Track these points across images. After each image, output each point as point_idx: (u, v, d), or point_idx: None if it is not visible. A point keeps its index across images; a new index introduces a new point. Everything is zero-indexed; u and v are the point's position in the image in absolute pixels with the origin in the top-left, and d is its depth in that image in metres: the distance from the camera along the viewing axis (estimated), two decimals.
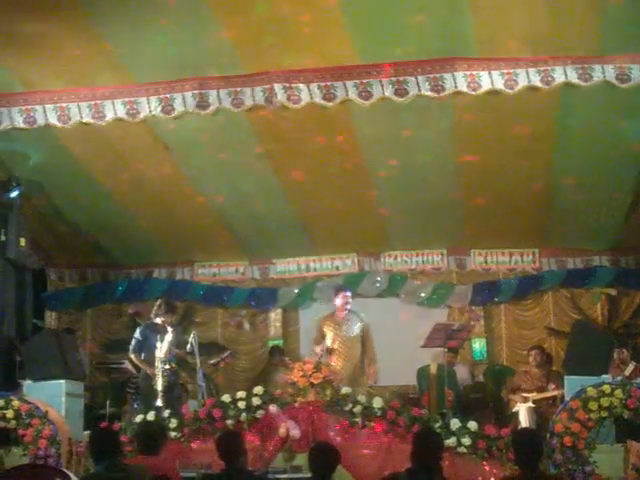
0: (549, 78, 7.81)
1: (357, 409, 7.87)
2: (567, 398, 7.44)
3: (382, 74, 8.00)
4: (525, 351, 11.01)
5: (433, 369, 10.43)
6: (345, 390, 8.10)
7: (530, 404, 9.48)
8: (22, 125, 8.58)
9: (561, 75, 7.78)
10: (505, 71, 7.87)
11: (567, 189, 10.41)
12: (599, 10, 7.24)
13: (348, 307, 9.74)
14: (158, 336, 9.25)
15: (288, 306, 12.70)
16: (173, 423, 7.97)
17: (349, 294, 9.85)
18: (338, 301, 9.77)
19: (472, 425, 7.65)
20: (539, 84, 7.85)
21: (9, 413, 7.49)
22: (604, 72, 7.71)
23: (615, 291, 11.99)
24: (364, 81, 8.01)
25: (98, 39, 7.79)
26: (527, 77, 7.85)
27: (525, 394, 9.71)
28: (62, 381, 8.43)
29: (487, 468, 7.50)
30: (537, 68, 7.82)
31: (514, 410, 9.65)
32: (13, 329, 9.60)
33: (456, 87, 7.92)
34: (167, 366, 9.08)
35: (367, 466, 7.60)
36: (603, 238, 11.80)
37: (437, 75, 7.89)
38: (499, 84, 7.88)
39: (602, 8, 7.22)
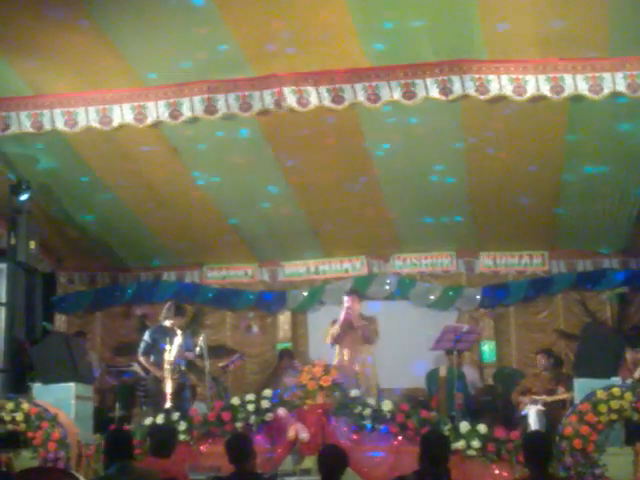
0: (559, 88, 7.77)
1: (366, 412, 7.87)
2: (577, 401, 7.44)
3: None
4: (535, 354, 10.98)
5: (442, 372, 10.41)
6: (354, 393, 8.10)
7: (540, 407, 9.46)
8: (29, 129, 8.57)
9: (571, 86, 7.74)
10: (514, 76, 7.82)
11: (576, 191, 10.38)
12: (607, 10, 7.21)
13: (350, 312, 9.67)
14: (167, 339, 9.27)
15: (297, 309, 12.69)
16: (182, 426, 7.99)
17: (352, 299, 9.75)
18: (344, 304, 9.76)
19: (481, 428, 7.64)
20: (549, 94, 7.80)
21: (19, 416, 7.51)
22: (614, 82, 7.66)
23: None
24: (372, 84, 7.99)
25: (108, 43, 7.80)
26: (537, 84, 7.79)
27: (535, 397, 9.68)
28: (71, 384, 8.42)
29: (496, 471, 7.49)
30: (547, 75, 7.76)
31: (523, 413, 9.63)
32: (23, 332, 9.60)
33: (464, 90, 7.89)
34: (176, 369, 9.10)
35: (376, 469, 7.61)
36: (613, 240, 11.76)
37: (445, 77, 7.87)
38: (508, 90, 7.84)
39: (610, 8, 7.20)
